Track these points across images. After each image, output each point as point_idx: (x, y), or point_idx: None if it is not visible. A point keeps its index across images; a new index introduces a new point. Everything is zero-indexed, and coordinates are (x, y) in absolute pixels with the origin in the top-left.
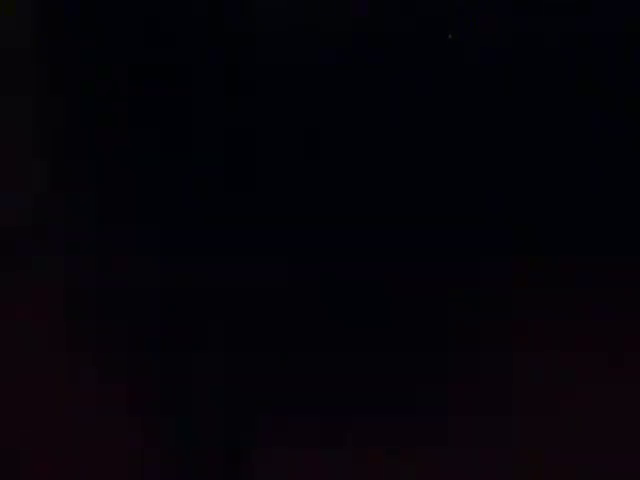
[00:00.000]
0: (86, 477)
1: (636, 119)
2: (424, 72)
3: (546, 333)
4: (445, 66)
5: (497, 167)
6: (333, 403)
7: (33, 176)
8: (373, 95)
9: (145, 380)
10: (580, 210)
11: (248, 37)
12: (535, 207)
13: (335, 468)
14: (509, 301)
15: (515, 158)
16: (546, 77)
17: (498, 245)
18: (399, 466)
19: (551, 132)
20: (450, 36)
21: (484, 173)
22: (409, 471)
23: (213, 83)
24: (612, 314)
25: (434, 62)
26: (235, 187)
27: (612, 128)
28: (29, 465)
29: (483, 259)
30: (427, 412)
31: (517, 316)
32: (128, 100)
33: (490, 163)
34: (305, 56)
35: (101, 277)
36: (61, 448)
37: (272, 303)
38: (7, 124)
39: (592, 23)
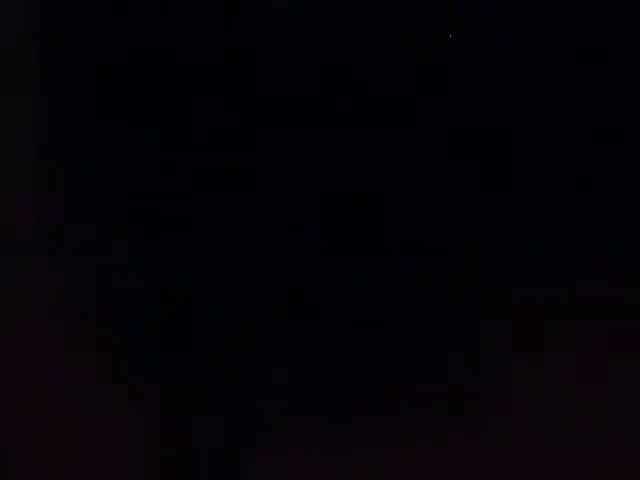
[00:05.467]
0: (87, 477)
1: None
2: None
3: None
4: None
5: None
6: (332, 405)
7: (33, 176)
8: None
9: (145, 381)
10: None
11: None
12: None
13: (334, 469)
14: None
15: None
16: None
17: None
18: (397, 467)
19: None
20: (450, 36)
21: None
22: (407, 473)
23: (213, 81)
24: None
25: (436, 62)
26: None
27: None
28: (30, 464)
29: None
30: (427, 417)
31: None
32: (127, 99)
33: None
34: (307, 55)
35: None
36: (61, 448)
37: (272, 304)
38: (7, 124)
39: None
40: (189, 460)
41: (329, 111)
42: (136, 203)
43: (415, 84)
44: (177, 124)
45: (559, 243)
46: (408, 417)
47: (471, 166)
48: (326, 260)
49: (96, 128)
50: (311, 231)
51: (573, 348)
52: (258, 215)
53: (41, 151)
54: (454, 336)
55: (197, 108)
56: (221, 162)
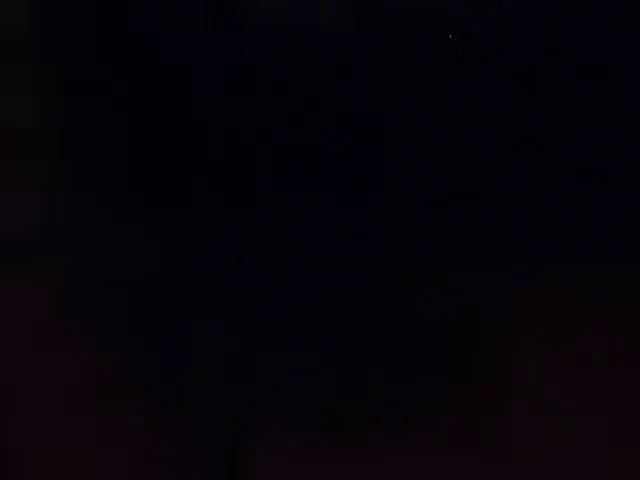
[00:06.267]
0: (86, 476)
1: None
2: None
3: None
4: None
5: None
6: (332, 405)
7: (33, 177)
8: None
9: (145, 380)
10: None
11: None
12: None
13: (334, 469)
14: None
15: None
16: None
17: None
18: (397, 467)
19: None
20: (450, 36)
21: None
22: (407, 472)
23: (212, 81)
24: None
25: (433, 61)
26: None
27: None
28: (28, 464)
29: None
30: (427, 416)
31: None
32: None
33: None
34: (305, 55)
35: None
36: (61, 448)
37: (271, 303)
38: (7, 124)
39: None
40: (189, 460)
41: (329, 110)
42: (137, 202)
43: (415, 83)
44: (178, 123)
45: (555, 241)
46: (408, 416)
47: (469, 165)
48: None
49: (97, 127)
50: (310, 231)
51: (576, 347)
52: (257, 213)
53: (41, 151)
54: (453, 335)
55: (198, 107)
56: (224, 160)
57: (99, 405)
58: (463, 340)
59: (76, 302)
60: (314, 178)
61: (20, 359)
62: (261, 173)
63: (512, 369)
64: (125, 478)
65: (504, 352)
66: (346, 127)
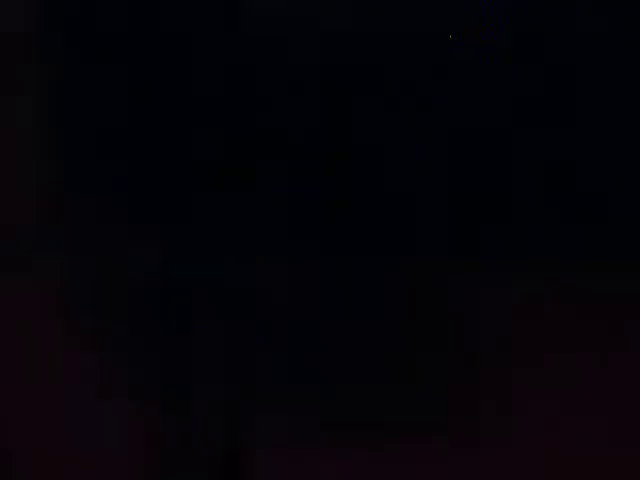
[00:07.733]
0: (86, 476)
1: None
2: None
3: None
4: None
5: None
6: (333, 405)
7: (33, 176)
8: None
9: (145, 380)
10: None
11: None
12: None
13: (334, 469)
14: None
15: None
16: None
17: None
18: (397, 467)
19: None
20: (450, 36)
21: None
22: (408, 472)
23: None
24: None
25: (433, 62)
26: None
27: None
28: (28, 464)
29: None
30: (426, 416)
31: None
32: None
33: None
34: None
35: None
36: (61, 448)
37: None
38: (7, 124)
39: None
40: (189, 460)
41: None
42: (137, 201)
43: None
44: (178, 122)
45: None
46: (408, 416)
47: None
48: (324, 259)
49: (98, 126)
50: (309, 231)
51: (577, 347)
52: (258, 212)
53: (41, 150)
54: (452, 335)
55: (198, 105)
56: (221, 159)
57: (99, 405)
58: (462, 341)
59: (76, 302)
60: (313, 177)
61: (20, 359)
62: (259, 173)
63: (512, 371)
64: (125, 478)
65: (503, 353)
66: (345, 126)
